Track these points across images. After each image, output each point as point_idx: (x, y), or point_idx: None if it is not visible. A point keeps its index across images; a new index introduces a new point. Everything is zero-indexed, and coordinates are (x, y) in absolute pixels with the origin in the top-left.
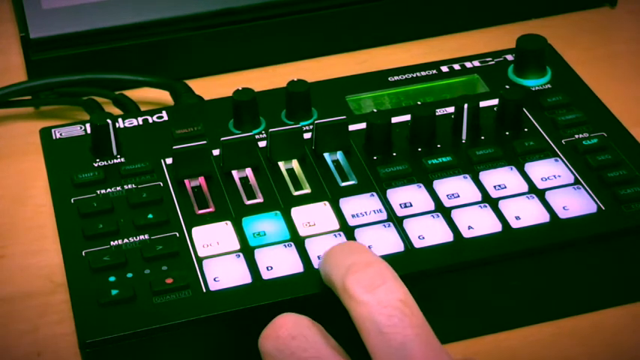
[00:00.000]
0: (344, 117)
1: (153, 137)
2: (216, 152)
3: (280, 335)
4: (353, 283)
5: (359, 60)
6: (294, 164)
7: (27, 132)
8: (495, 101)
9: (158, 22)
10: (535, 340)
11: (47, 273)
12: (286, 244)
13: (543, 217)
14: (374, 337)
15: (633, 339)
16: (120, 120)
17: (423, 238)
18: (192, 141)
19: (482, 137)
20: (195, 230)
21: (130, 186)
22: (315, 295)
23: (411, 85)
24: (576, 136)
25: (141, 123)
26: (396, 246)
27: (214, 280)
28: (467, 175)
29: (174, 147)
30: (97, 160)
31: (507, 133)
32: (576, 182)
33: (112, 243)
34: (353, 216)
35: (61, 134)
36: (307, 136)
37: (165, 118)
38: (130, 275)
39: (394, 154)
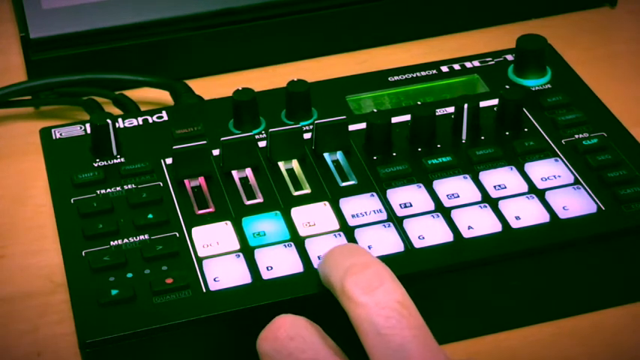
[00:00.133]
0: (344, 117)
1: (153, 137)
2: (216, 152)
3: (278, 336)
4: (351, 284)
5: (359, 60)
6: (294, 164)
7: (27, 132)
8: (495, 101)
9: (158, 22)
10: (535, 340)
11: (47, 273)
12: (286, 244)
13: (543, 217)
14: (372, 338)
15: (633, 339)
16: (120, 120)
17: (423, 238)
18: (192, 141)
19: (482, 137)
20: (195, 230)
21: (129, 186)
22: (315, 296)
23: (411, 85)
24: (576, 136)
25: (141, 123)
26: (396, 246)
27: (214, 280)
28: (467, 175)
29: (174, 147)
30: (97, 160)
31: (507, 133)
32: (576, 182)
33: (111, 243)
34: (353, 216)
35: (61, 134)
36: (307, 136)
37: (165, 118)
38: (129, 275)
39: (394, 154)
